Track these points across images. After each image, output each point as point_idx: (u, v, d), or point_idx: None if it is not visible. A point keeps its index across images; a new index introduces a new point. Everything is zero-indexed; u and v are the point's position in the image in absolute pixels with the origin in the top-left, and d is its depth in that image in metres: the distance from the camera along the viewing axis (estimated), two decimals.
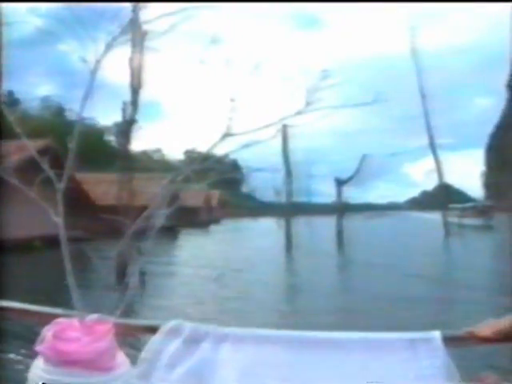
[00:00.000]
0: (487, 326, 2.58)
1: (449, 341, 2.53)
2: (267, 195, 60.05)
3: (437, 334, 2.53)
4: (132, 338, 2.69)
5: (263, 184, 57.31)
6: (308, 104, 2.38)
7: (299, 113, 2.38)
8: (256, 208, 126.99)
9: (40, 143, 29.02)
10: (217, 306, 16.45)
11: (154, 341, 2.52)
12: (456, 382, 2.44)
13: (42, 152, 2.19)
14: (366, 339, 2.65)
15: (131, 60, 22.69)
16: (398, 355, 2.54)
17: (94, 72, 2.26)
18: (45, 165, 2.15)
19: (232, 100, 2.40)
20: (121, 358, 2.41)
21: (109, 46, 2.28)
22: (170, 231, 44.74)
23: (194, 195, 73.37)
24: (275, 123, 2.36)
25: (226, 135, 2.29)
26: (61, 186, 2.15)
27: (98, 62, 2.26)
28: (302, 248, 35.60)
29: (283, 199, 44.88)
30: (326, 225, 45.29)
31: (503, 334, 2.54)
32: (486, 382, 2.41)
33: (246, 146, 2.36)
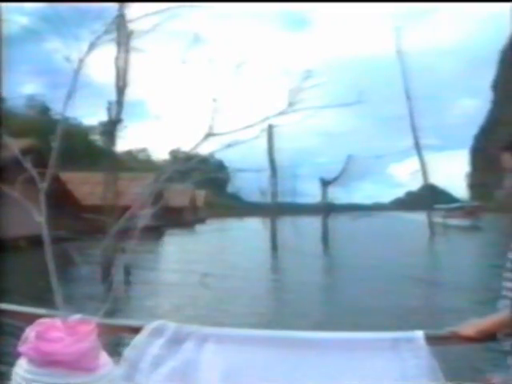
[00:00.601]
0: (470, 326, 2.59)
1: (432, 340, 2.55)
2: (253, 195, 60.00)
3: (420, 334, 2.55)
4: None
5: (249, 184, 57.33)
6: (291, 104, 2.39)
7: (282, 113, 2.38)
8: (241, 208, 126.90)
9: (24, 142, 28.82)
10: (201, 307, 16.41)
11: (137, 341, 2.52)
12: (439, 380, 2.46)
13: (26, 151, 2.18)
14: (349, 339, 2.66)
15: (117, 59, 22.62)
16: (381, 355, 2.55)
17: (77, 71, 2.25)
18: (27, 164, 2.14)
19: (214, 100, 2.40)
20: (104, 358, 2.40)
21: (92, 45, 2.27)
22: (156, 231, 44.61)
23: (180, 195, 73.20)
24: (257, 123, 2.36)
25: (209, 135, 2.29)
26: (43, 185, 2.15)
27: (81, 61, 2.24)
28: (287, 248, 35.58)
29: (269, 199, 44.83)
30: (312, 225, 45.28)
31: (485, 334, 2.55)
32: (490, 382, 2.43)
33: (229, 145, 2.35)
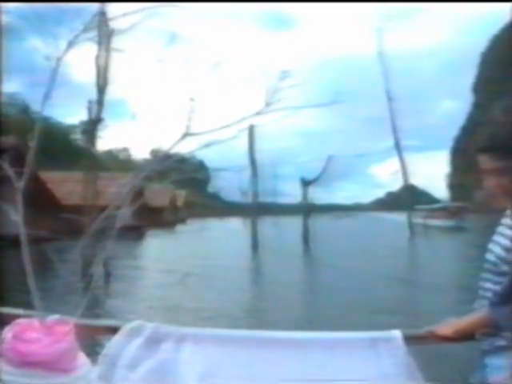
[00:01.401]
0: (447, 326, 2.61)
1: (409, 340, 2.57)
2: (233, 195, 60.01)
3: (397, 334, 2.56)
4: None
5: (229, 184, 57.28)
6: (268, 104, 2.38)
7: (259, 113, 2.38)
8: (222, 208, 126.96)
9: (3, 141, 28.61)
10: (181, 307, 16.38)
11: (114, 341, 2.50)
12: (417, 379, 2.48)
13: (5, 150, 2.16)
14: (328, 339, 2.66)
15: (97, 58, 22.53)
16: (359, 354, 2.56)
17: (55, 70, 2.23)
18: (4, 163, 2.12)
19: (191, 100, 2.39)
20: (82, 358, 2.38)
21: (71, 44, 2.25)
22: (136, 231, 44.49)
23: (160, 195, 73.09)
24: (234, 123, 2.36)
25: (186, 135, 2.28)
26: (20, 184, 2.13)
27: (59, 59, 2.22)
28: (268, 248, 35.60)
29: (249, 199, 44.81)
30: (292, 225, 45.30)
31: (462, 333, 2.57)
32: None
33: (207, 145, 2.35)
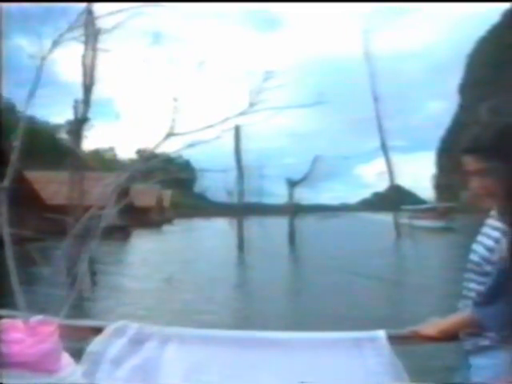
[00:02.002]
0: (431, 325, 2.63)
1: (394, 339, 2.58)
2: (219, 195, 59.93)
3: (381, 333, 2.58)
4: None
5: (215, 184, 57.18)
6: (251, 105, 2.38)
7: (243, 113, 2.38)
8: (208, 208, 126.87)
9: None
10: (167, 307, 16.36)
11: (98, 341, 2.49)
12: (403, 378, 2.49)
13: None
14: (312, 339, 2.67)
15: (84, 58, 22.42)
16: (344, 353, 2.58)
17: (39, 69, 2.22)
18: None
19: (175, 100, 2.39)
20: (66, 359, 2.37)
21: (56, 43, 2.24)
22: (122, 231, 44.38)
23: (146, 195, 72.98)
24: (218, 124, 2.36)
25: (169, 135, 2.28)
26: (4, 184, 2.11)
27: (43, 58, 2.21)
28: (254, 249, 35.62)
29: (235, 200, 44.81)
30: (278, 225, 45.34)
31: (446, 333, 2.59)
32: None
33: (191, 145, 2.34)
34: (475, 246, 2.60)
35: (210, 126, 2.21)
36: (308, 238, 41.30)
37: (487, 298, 2.45)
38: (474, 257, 2.59)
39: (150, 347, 2.52)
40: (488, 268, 2.49)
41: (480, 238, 2.60)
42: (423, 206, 74.83)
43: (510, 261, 2.37)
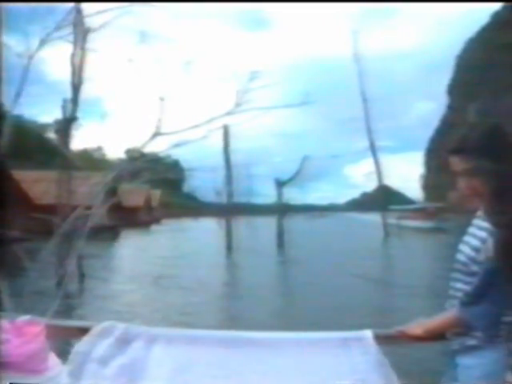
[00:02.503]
0: (417, 325, 2.64)
1: (381, 339, 2.60)
2: (208, 195, 59.86)
3: (368, 333, 2.60)
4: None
5: (204, 184, 57.16)
6: (238, 105, 2.39)
7: (229, 113, 2.39)
8: (197, 208, 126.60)
9: None
10: (154, 307, 16.34)
11: (84, 341, 2.49)
12: (390, 377, 2.50)
13: None
14: (299, 338, 2.69)
15: (72, 56, 22.34)
16: (331, 353, 2.59)
17: (26, 67, 2.22)
18: None
19: (161, 99, 2.39)
20: (53, 359, 2.36)
21: (43, 42, 2.24)
22: (110, 231, 44.31)
23: (134, 195, 72.82)
24: (204, 123, 2.36)
25: (156, 134, 2.28)
26: None
27: (31, 57, 2.21)
28: (242, 249, 35.63)
29: (224, 199, 44.80)
30: (267, 225, 45.30)
31: (433, 333, 2.60)
32: None
33: (177, 145, 2.35)
34: (462, 246, 2.62)
35: (197, 126, 2.22)
36: (296, 237, 41.23)
37: (474, 298, 2.47)
38: (460, 257, 2.61)
39: (136, 347, 2.51)
40: (474, 268, 2.51)
41: (466, 238, 2.62)
42: (412, 206, 74.84)
43: (496, 261, 2.39)
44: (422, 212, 66.64)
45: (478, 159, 2.50)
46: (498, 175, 2.47)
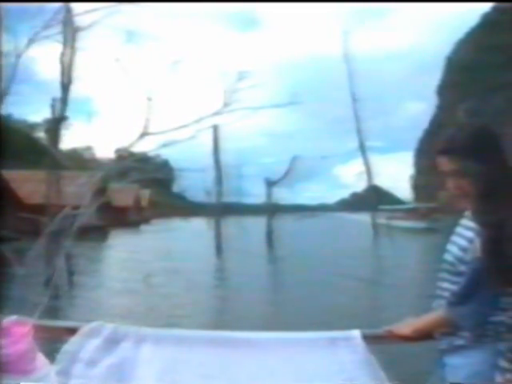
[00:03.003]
0: (405, 325, 2.65)
1: (369, 339, 2.61)
2: (198, 195, 59.86)
3: (356, 333, 2.61)
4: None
5: (194, 184, 57.12)
6: (226, 105, 2.39)
7: (216, 113, 2.38)
8: (186, 208, 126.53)
9: None
10: (144, 307, 16.31)
11: (73, 341, 2.48)
12: (379, 376, 2.51)
13: None
14: (287, 338, 2.70)
15: (62, 56, 22.28)
16: (319, 352, 2.60)
17: (14, 67, 2.20)
18: None
19: (149, 99, 2.39)
20: (41, 359, 2.36)
21: (31, 41, 2.22)
22: (100, 231, 44.22)
23: (124, 195, 72.63)
24: (192, 123, 2.36)
25: (144, 134, 2.27)
26: None
27: (18, 56, 2.20)
28: (232, 248, 35.60)
29: (214, 199, 44.79)
30: (257, 225, 45.33)
31: (420, 333, 2.61)
32: None
33: (165, 145, 2.34)
34: (449, 246, 2.63)
35: (185, 126, 2.21)
36: (286, 237, 41.25)
37: (461, 298, 2.48)
38: (448, 256, 2.62)
39: (125, 347, 2.51)
40: (462, 268, 2.52)
41: (454, 237, 2.63)
42: (404, 207, 74.76)
43: (483, 261, 2.40)
44: (414, 212, 66.31)
45: (465, 160, 2.52)
46: (485, 176, 2.49)
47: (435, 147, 2.68)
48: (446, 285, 2.61)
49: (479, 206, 2.52)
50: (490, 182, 2.48)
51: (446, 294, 2.59)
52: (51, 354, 2.48)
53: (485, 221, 2.44)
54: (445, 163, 2.62)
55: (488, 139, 2.57)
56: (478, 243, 2.44)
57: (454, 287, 2.55)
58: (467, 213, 2.62)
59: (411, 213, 66.47)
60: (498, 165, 2.51)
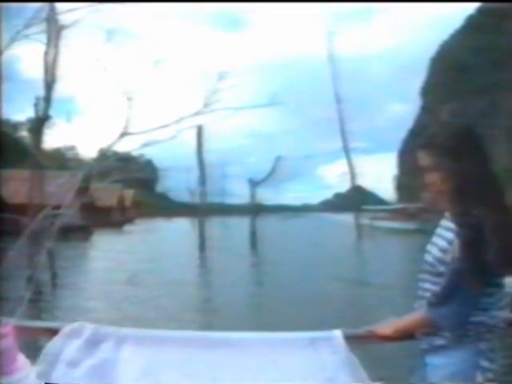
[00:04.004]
0: (387, 325, 2.66)
1: (350, 339, 2.62)
2: (182, 195, 59.80)
3: (337, 333, 2.62)
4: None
5: (178, 184, 57.06)
6: (206, 105, 2.39)
7: (197, 114, 2.38)
8: (170, 208, 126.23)
9: None
10: (128, 308, 16.28)
11: (54, 342, 2.47)
12: (360, 375, 2.53)
13: None
14: (268, 339, 2.70)
15: (45, 54, 22.16)
16: (299, 352, 2.61)
17: None
18: None
19: (129, 99, 2.38)
20: (22, 360, 2.34)
21: (13, 40, 2.21)
22: (83, 231, 44.06)
23: (108, 195, 72.44)
24: (172, 123, 2.36)
25: (124, 134, 2.27)
26: None
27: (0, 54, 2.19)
28: (215, 248, 35.59)
29: (197, 199, 44.75)
30: (240, 225, 45.32)
31: (402, 333, 2.62)
32: None
33: (146, 145, 2.34)
34: (429, 247, 2.64)
35: (166, 126, 2.21)
36: (270, 238, 41.31)
37: (441, 299, 2.49)
38: (428, 257, 2.64)
39: (106, 348, 2.51)
40: (441, 269, 2.53)
41: (434, 238, 2.65)
42: (393, 207, 74.62)
43: (462, 262, 2.41)
44: (402, 213, 65.62)
45: (443, 156, 2.55)
46: (461, 174, 2.51)
47: (418, 142, 2.72)
48: (427, 285, 2.63)
49: (455, 206, 2.54)
50: (467, 181, 2.51)
51: (428, 294, 2.61)
52: (32, 355, 2.47)
53: (461, 221, 2.46)
54: (423, 158, 2.65)
55: (468, 138, 2.60)
56: (457, 244, 2.45)
57: (434, 288, 2.56)
58: (447, 213, 2.63)
59: (399, 214, 66.12)
60: (475, 164, 2.54)
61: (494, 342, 2.56)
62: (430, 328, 2.56)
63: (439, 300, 2.50)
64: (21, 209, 20.67)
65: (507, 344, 2.87)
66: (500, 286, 2.56)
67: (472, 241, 2.40)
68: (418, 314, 2.63)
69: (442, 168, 2.56)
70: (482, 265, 2.40)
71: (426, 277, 2.64)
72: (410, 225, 57.69)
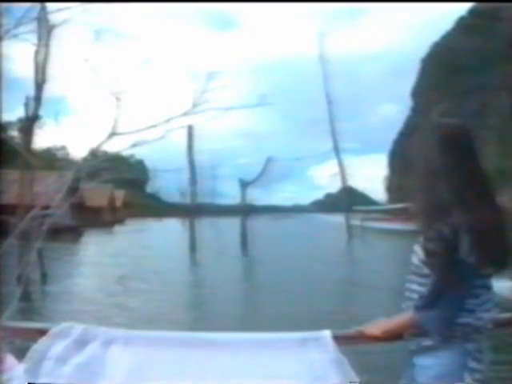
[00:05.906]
0: (376, 326, 2.67)
1: (339, 339, 2.62)
2: (172, 196, 59.77)
3: (327, 333, 2.62)
4: None
5: (168, 184, 57.05)
6: (195, 105, 2.39)
7: (186, 114, 2.38)
8: (161, 209, 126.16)
9: None
10: (116, 308, 16.25)
11: (41, 342, 2.47)
12: (348, 373, 2.53)
13: None
14: (257, 339, 2.71)
15: (36, 54, 22.07)
16: (288, 352, 2.62)
17: None
18: None
19: (118, 99, 2.38)
20: (10, 360, 2.34)
21: (1, 39, 2.21)
22: (73, 231, 43.95)
23: (98, 195, 72.27)
24: (161, 123, 2.36)
25: (112, 134, 2.27)
26: None
27: None
28: (206, 249, 35.54)
29: (188, 200, 44.71)
30: (231, 226, 45.25)
31: (390, 334, 2.63)
32: None
33: (135, 145, 2.34)
34: (416, 248, 2.65)
35: (154, 126, 2.21)
36: (260, 238, 41.26)
37: (426, 301, 2.50)
38: (414, 259, 2.64)
39: (94, 346, 2.51)
40: (426, 270, 2.54)
41: (420, 239, 2.65)
42: (383, 207, 74.58)
43: (445, 264, 2.43)
44: (402, 213, 64.71)
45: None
46: (452, 173, 2.52)
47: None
48: (414, 286, 2.63)
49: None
50: (456, 180, 2.51)
51: (415, 295, 2.61)
52: (21, 356, 2.46)
53: (443, 222, 2.47)
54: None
55: (459, 140, 2.60)
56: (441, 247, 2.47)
57: (421, 289, 2.56)
58: None
59: (390, 214, 66.01)
60: (465, 165, 2.54)
61: (481, 343, 2.57)
62: (418, 329, 2.57)
63: (425, 303, 2.51)
64: (10, 209, 20.58)
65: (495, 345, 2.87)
66: (487, 287, 2.57)
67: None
68: (406, 315, 2.63)
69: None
70: (463, 266, 2.41)
71: (413, 278, 2.65)
72: (400, 225, 57.49)
